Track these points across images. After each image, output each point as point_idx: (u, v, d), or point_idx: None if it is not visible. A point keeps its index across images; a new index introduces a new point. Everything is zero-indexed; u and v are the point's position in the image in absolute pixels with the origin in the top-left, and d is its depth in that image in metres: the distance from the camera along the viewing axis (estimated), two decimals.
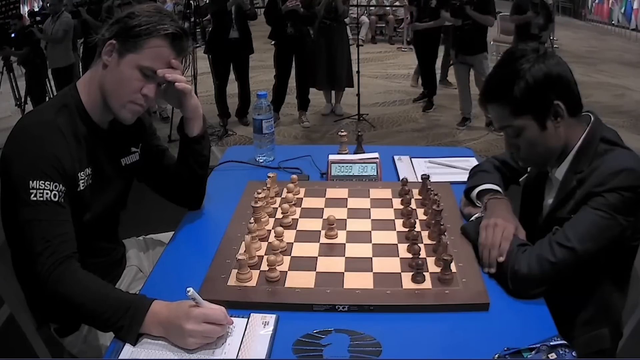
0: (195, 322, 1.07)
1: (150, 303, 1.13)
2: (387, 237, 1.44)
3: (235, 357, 1.06)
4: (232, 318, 1.14)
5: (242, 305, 1.19)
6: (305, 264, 1.33)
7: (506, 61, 1.32)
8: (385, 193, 1.68)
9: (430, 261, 1.32)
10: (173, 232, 1.57)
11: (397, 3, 10.34)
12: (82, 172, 1.33)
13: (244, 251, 1.31)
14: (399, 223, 1.50)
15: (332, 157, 1.87)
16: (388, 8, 10.56)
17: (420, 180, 1.67)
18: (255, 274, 1.28)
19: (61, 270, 1.16)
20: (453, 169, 1.92)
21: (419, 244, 1.30)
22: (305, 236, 1.45)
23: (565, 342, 1.05)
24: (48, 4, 6.17)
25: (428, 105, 6.18)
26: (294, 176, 1.68)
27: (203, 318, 1.08)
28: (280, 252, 1.32)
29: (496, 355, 1.03)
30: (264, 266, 1.30)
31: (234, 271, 1.28)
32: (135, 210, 1.69)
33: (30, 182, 1.20)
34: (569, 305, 1.35)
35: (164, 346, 1.09)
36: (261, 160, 1.98)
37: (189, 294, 1.07)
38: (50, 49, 5.73)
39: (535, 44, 1.33)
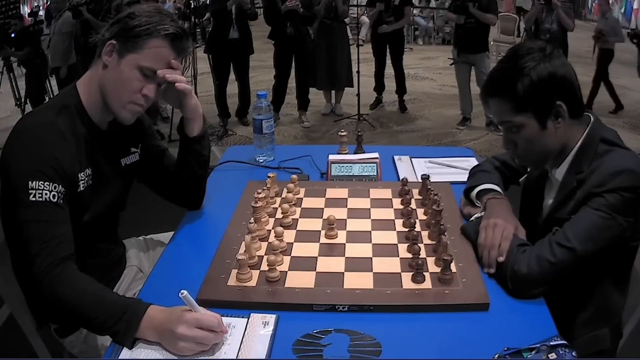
0: (187, 327, 1.05)
1: (146, 308, 1.11)
2: (387, 237, 1.44)
3: (235, 357, 1.06)
4: (232, 318, 1.14)
5: (242, 305, 1.19)
6: (305, 264, 1.33)
7: (512, 57, 1.31)
8: (385, 193, 1.68)
9: (430, 261, 1.32)
10: (173, 232, 1.57)
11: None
12: (82, 173, 1.33)
13: (244, 251, 1.31)
14: (399, 223, 1.50)
15: (332, 157, 1.87)
16: None
17: (420, 180, 1.67)
18: (255, 274, 1.28)
19: (57, 272, 1.15)
20: (453, 169, 1.92)
21: (419, 244, 1.30)
22: (305, 236, 1.45)
23: (565, 342, 1.04)
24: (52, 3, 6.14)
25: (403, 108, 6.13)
26: (294, 176, 1.68)
27: (195, 323, 1.05)
28: (280, 252, 1.32)
29: (496, 355, 1.03)
30: (264, 266, 1.29)
31: (234, 271, 1.28)
32: (135, 210, 1.69)
33: (30, 182, 1.20)
34: (569, 305, 1.35)
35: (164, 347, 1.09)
36: (261, 160, 1.98)
37: (182, 295, 1.05)
38: (51, 49, 5.73)
39: (542, 43, 1.32)
